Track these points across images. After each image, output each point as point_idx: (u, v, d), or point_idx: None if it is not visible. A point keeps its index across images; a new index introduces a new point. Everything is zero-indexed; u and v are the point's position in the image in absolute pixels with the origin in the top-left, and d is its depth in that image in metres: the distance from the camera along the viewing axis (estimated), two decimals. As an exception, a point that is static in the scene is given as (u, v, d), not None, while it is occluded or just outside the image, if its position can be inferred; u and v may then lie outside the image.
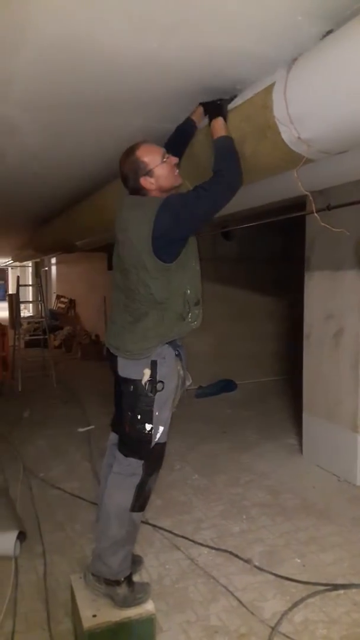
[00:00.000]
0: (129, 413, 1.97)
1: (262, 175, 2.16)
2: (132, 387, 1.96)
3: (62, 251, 7.92)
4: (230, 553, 2.62)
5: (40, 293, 7.59)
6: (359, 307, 3.38)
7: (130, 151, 1.97)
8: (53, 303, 12.61)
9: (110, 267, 5.45)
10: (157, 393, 1.94)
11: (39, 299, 7.83)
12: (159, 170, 1.93)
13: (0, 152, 3.04)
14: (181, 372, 2.05)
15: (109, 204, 3.45)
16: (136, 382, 1.95)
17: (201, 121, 2.19)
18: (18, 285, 7.57)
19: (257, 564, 2.53)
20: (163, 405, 1.97)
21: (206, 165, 1.98)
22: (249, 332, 6.32)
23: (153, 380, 1.94)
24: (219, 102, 2.06)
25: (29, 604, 2.25)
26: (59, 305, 12.11)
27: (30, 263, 16.22)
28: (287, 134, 1.75)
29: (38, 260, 13.82)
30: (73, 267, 11.11)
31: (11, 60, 1.79)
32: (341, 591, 2.31)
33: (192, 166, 2.22)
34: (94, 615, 1.91)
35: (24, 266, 17.34)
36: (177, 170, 2.01)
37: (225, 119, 2.01)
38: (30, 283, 15.19)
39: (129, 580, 2.03)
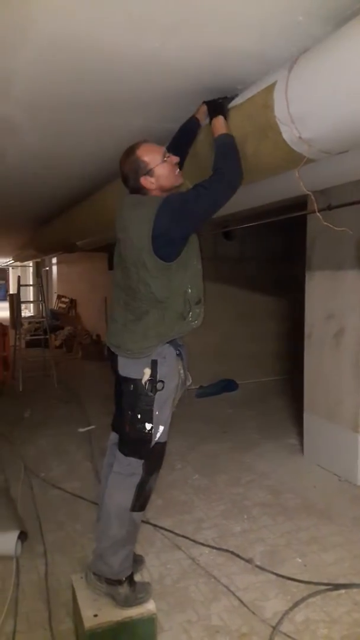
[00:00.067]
0: (129, 412, 1.97)
1: (264, 175, 2.15)
2: (132, 386, 1.96)
3: (62, 251, 7.92)
4: (232, 553, 2.62)
5: (41, 293, 7.58)
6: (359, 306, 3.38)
7: (131, 151, 1.96)
8: (54, 303, 12.60)
9: (111, 267, 5.46)
10: (157, 392, 1.94)
11: (40, 299, 7.83)
12: (160, 170, 1.93)
13: (0, 152, 3.04)
14: (182, 371, 2.04)
15: (109, 204, 3.45)
16: (136, 381, 1.95)
17: (205, 120, 2.18)
18: (19, 285, 7.58)
19: (258, 563, 2.53)
20: (163, 405, 1.97)
21: (207, 165, 1.97)
22: (249, 332, 6.32)
23: (153, 379, 1.93)
24: (220, 101, 2.06)
25: (30, 603, 2.26)
26: (60, 305, 12.11)
27: (31, 263, 16.22)
28: (288, 134, 1.75)
29: (39, 260, 13.83)
30: (74, 267, 11.11)
31: (11, 59, 1.79)
32: (342, 591, 2.31)
33: (194, 165, 2.22)
34: (95, 615, 1.91)
35: (25, 266, 17.35)
36: (178, 170, 2.00)
37: (226, 118, 2.00)
38: (31, 283, 15.19)
39: (130, 579, 2.03)
